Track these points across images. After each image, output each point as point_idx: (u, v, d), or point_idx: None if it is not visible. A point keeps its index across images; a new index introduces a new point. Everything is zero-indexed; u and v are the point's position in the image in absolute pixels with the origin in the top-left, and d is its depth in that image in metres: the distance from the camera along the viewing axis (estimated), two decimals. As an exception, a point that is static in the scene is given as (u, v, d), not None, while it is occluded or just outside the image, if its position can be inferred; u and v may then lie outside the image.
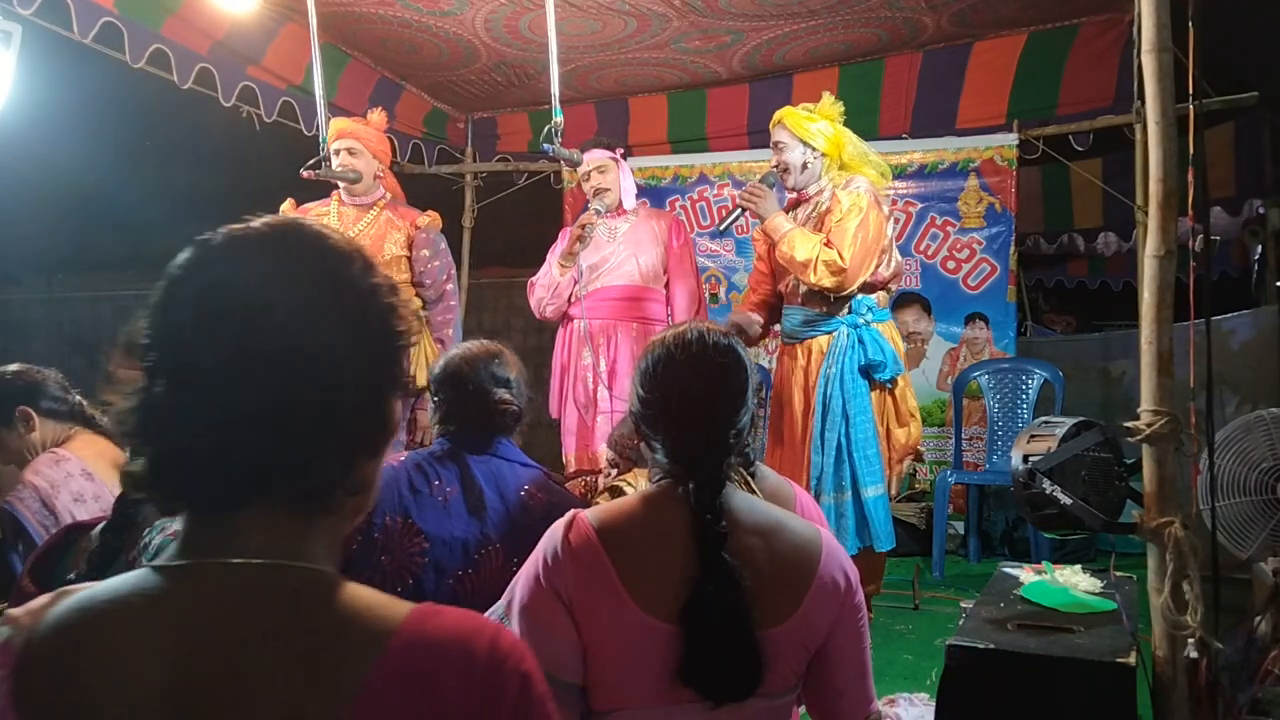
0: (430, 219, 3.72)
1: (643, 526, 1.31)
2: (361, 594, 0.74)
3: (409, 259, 3.64)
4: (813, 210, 3.20)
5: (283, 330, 0.72)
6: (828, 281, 3.01)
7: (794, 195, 3.28)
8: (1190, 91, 2.13)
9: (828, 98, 3.24)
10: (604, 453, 3.52)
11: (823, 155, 3.18)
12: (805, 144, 3.16)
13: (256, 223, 0.79)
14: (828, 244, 3.01)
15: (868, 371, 3.08)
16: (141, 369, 0.74)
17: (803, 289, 3.17)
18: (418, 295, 3.66)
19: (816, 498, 3.00)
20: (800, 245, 3.05)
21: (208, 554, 0.73)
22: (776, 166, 3.25)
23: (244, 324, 0.72)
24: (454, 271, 3.79)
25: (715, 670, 1.23)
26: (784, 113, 3.23)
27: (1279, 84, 4.70)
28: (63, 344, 8.41)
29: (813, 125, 3.16)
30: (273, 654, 0.69)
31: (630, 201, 3.73)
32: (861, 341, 3.08)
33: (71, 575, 1.61)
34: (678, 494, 1.32)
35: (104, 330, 8.29)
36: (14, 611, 0.74)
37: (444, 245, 3.73)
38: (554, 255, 3.72)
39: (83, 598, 0.73)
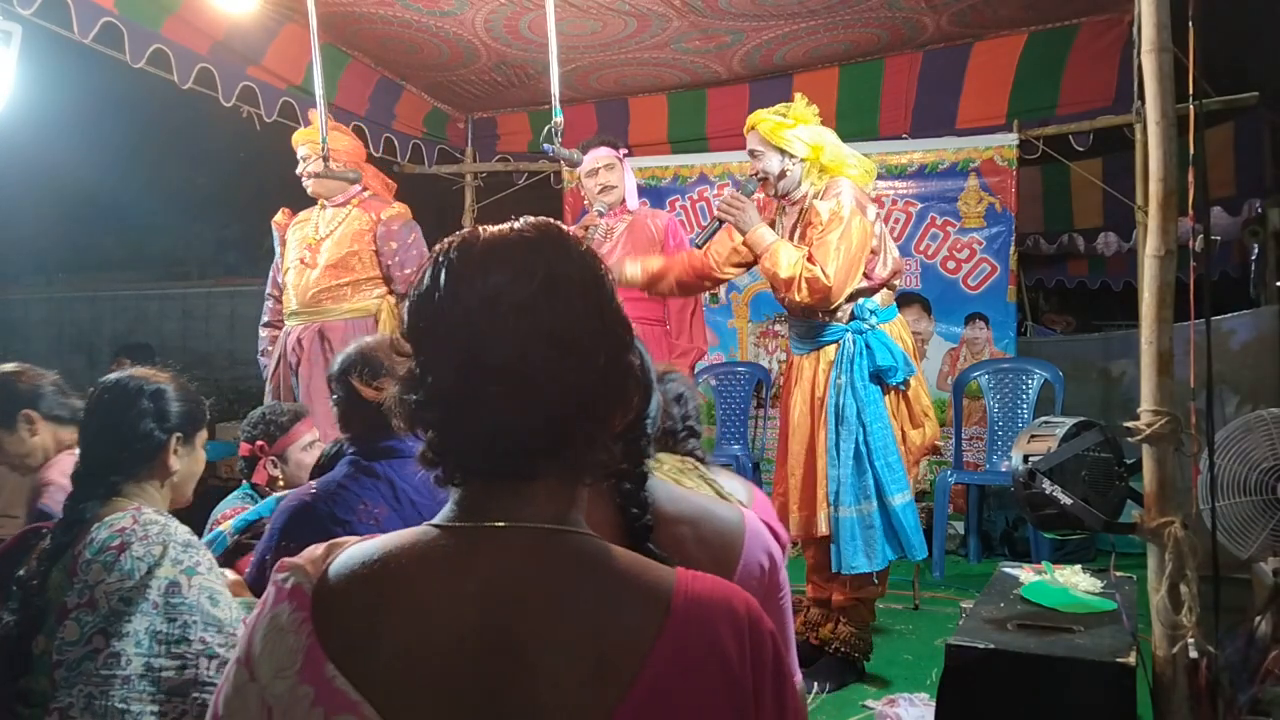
0: (395, 211, 3.67)
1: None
2: (630, 555, 0.85)
3: (376, 253, 3.62)
4: (799, 216, 3.11)
5: (561, 328, 0.81)
6: (811, 300, 2.93)
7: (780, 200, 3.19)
8: (1190, 91, 2.13)
9: (801, 100, 3.14)
10: None
11: (802, 160, 3.07)
12: (781, 151, 3.06)
13: (520, 224, 0.88)
14: (810, 260, 2.92)
15: (879, 377, 3.01)
16: (418, 359, 0.84)
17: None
18: (388, 290, 3.62)
19: (835, 510, 2.96)
20: (783, 261, 2.95)
21: (497, 517, 0.81)
22: (755, 175, 3.14)
23: (525, 324, 0.81)
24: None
25: None
26: (756, 119, 3.12)
27: (1279, 84, 4.70)
28: (63, 344, 8.42)
29: (787, 132, 3.05)
30: (572, 603, 0.79)
31: (633, 201, 3.73)
32: (869, 347, 3.00)
33: (21, 572, 1.61)
34: (598, 496, 1.31)
35: (104, 330, 8.29)
36: (295, 561, 0.83)
37: (414, 238, 3.66)
38: None
39: (365, 549, 0.82)
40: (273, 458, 2.64)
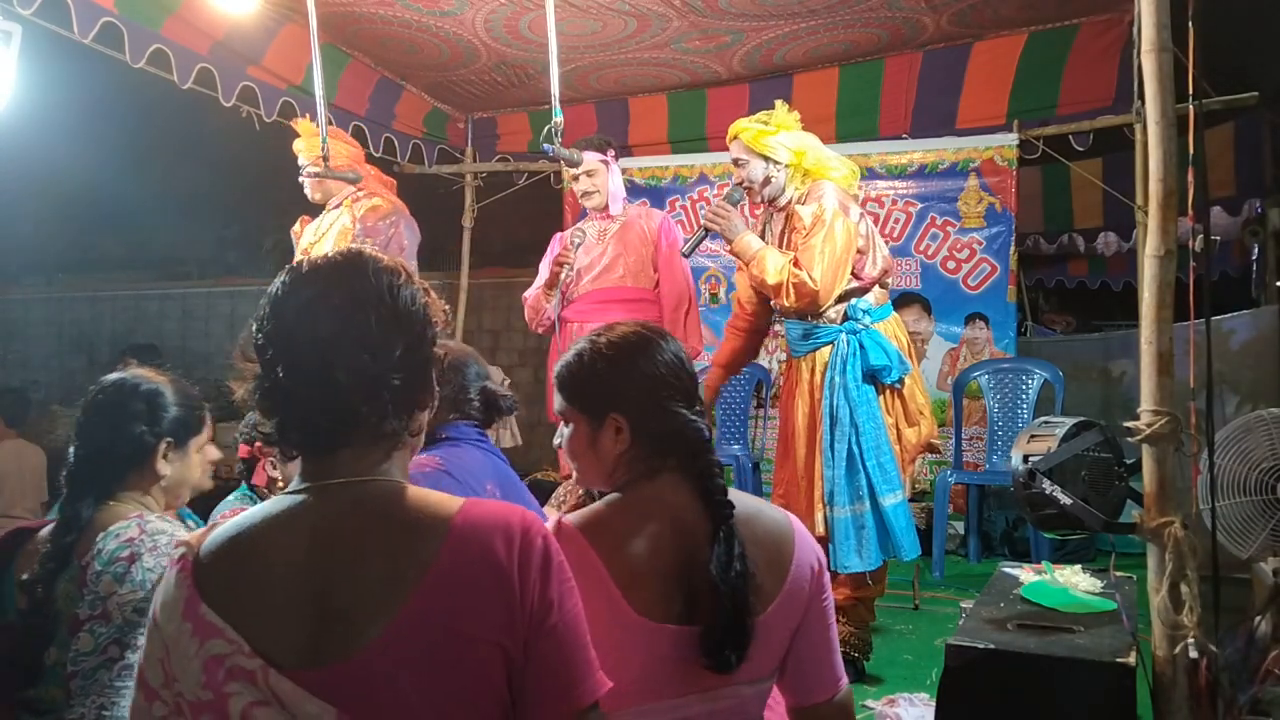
0: (370, 205, 3.63)
1: (638, 530, 1.32)
2: (426, 493, 1.08)
3: None
4: (785, 223, 3.12)
5: (359, 332, 1.05)
6: (799, 305, 2.95)
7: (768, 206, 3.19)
8: (1190, 91, 2.13)
9: (782, 107, 3.13)
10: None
11: (786, 166, 3.08)
12: (765, 158, 3.07)
13: (331, 253, 1.14)
14: (796, 264, 2.94)
15: (873, 376, 3.02)
16: (259, 362, 1.08)
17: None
18: None
19: (830, 510, 2.98)
20: (770, 267, 2.97)
21: (322, 479, 1.06)
22: (740, 183, 3.15)
23: (333, 329, 1.05)
24: (405, 256, 3.65)
25: (721, 646, 1.25)
26: (738, 128, 3.11)
27: (1279, 84, 4.70)
28: (63, 344, 8.41)
29: (769, 138, 3.05)
30: (377, 534, 1.03)
31: (616, 207, 3.69)
32: (863, 347, 3.01)
33: (25, 576, 1.59)
34: (667, 488, 1.34)
35: (104, 330, 8.29)
36: (185, 537, 1.10)
37: (393, 232, 3.62)
38: (545, 264, 3.72)
39: (233, 522, 1.07)
40: (272, 459, 2.63)
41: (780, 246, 3.09)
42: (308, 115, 3.93)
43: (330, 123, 3.81)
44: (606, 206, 3.69)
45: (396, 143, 5.23)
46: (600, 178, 3.66)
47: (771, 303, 3.19)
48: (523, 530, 1.03)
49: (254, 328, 1.09)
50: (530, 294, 3.74)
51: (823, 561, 1.42)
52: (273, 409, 1.08)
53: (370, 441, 1.07)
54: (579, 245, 3.65)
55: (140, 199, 7.91)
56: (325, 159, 3.53)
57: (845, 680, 1.45)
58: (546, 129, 3.05)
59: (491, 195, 5.68)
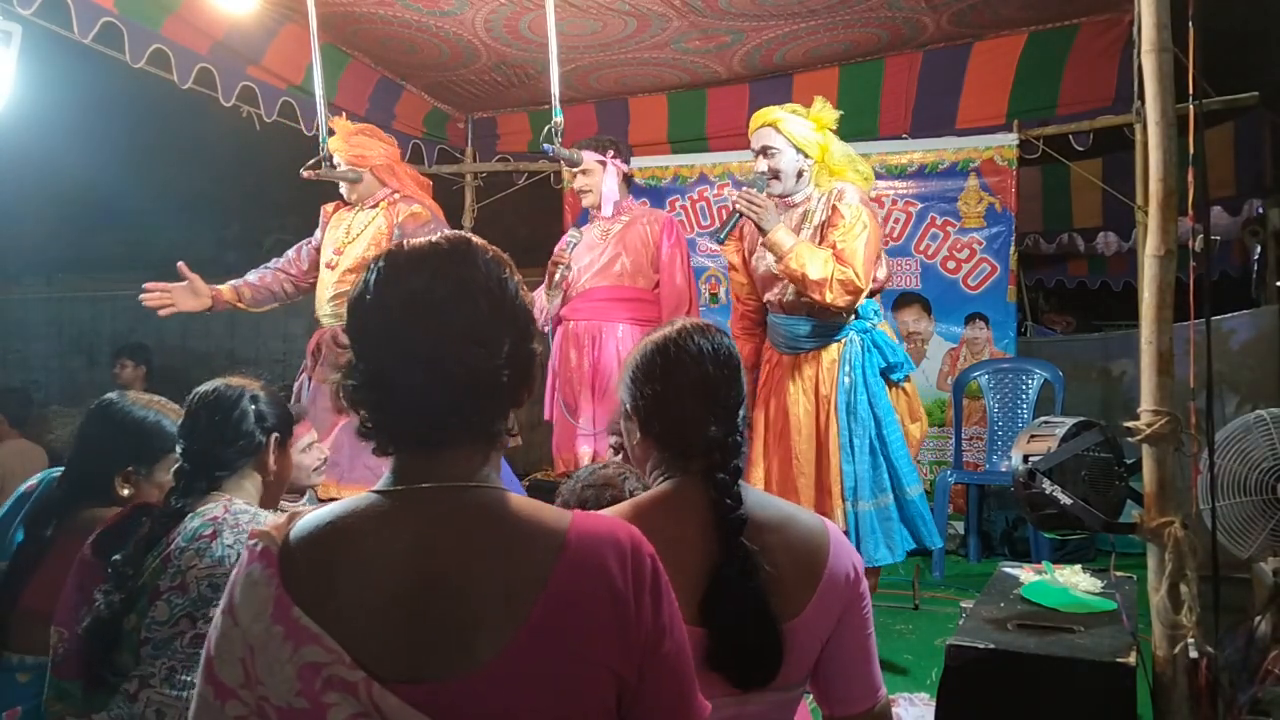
0: (411, 212, 3.53)
1: (658, 530, 1.32)
2: (532, 502, 1.03)
3: None
4: (802, 219, 3.10)
5: (471, 322, 1.00)
6: (842, 301, 2.92)
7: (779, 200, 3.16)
8: (1190, 91, 2.13)
9: (823, 104, 3.12)
10: (584, 454, 3.53)
11: (814, 162, 3.08)
12: (799, 150, 3.06)
13: (436, 238, 1.06)
14: (840, 260, 2.90)
15: (885, 373, 3.06)
16: (356, 352, 1.02)
17: (801, 298, 3.05)
18: None
19: (853, 505, 3.00)
20: (811, 262, 2.90)
21: (420, 480, 1.00)
22: (765, 173, 3.10)
23: (445, 318, 0.99)
24: None
25: (738, 659, 1.25)
26: (774, 117, 3.08)
27: (1279, 84, 4.70)
28: (63, 344, 8.40)
29: (807, 132, 3.06)
30: (488, 545, 0.97)
31: (608, 209, 3.68)
32: (876, 345, 3.05)
33: (118, 558, 1.70)
34: (688, 491, 1.33)
35: (104, 330, 8.29)
36: (262, 528, 1.01)
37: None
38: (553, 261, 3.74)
39: (318, 516, 1.00)
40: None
41: None
42: (344, 114, 3.89)
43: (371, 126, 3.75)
44: (599, 206, 3.69)
45: (396, 143, 5.23)
46: (595, 178, 3.66)
47: (781, 294, 3.17)
48: (633, 548, 0.99)
49: (350, 315, 1.03)
50: (538, 294, 3.74)
51: (860, 568, 1.40)
52: (372, 402, 1.01)
53: (475, 441, 1.02)
54: (574, 245, 3.66)
55: (140, 199, 7.91)
56: (329, 159, 3.51)
57: (884, 690, 1.42)
58: (546, 129, 3.05)
59: (491, 195, 5.68)
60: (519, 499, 1.02)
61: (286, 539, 0.99)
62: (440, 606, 0.93)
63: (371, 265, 1.03)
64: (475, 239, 1.07)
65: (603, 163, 3.66)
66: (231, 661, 0.96)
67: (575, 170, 3.66)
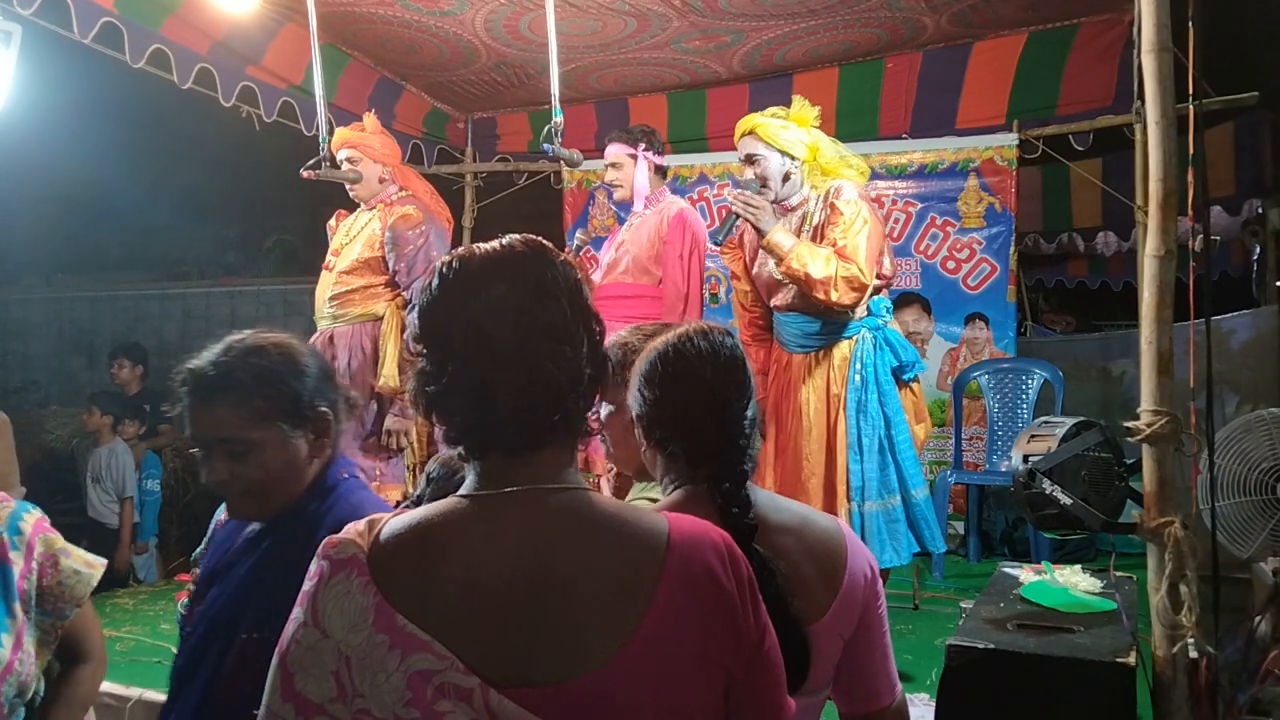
0: (402, 213, 3.53)
1: None
2: (623, 503, 1.06)
3: (382, 258, 3.55)
4: (801, 222, 3.08)
5: (557, 323, 1.00)
6: (848, 299, 2.89)
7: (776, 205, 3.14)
8: (1190, 91, 2.13)
9: (801, 102, 3.10)
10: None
11: (802, 163, 3.05)
12: (783, 154, 3.04)
13: (509, 240, 1.06)
14: (842, 258, 2.88)
15: (895, 372, 3.02)
16: (434, 359, 1.01)
17: (806, 299, 3.02)
18: (394, 294, 3.52)
19: (860, 505, 2.97)
20: (814, 261, 2.88)
21: (510, 483, 0.99)
22: (754, 179, 3.08)
23: (534, 320, 0.99)
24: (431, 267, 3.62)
25: None
26: (754, 124, 3.07)
27: (1279, 84, 4.70)
28: (63, 344, 8.40)
29: (788, 134, 3.03)
30: (590, 547, 0.97)
31: (639, 203, 3.62)
32: (888, 343, 3.01)
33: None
34: (698, 500, 1.32)
35: (104, 330, 8.28)
36: (343, 537, 0.98)
37: (420, 242, 3.51)
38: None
39: (405, 520, 0.98)
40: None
41: None
42: (374, 110, 3.88)
43: (376, 123, 3.77)
44: (631, 200, 3.63)
45: (396, 143, 5.23)
46: (626, 171, 3.58)
47: (784, 295, 3.15)
48: (728, 547, 1.00)
49: (422, 322, 1.03)
50: None
51: (875, 567, 1.40)
52: (467, 408, 1.00)
53: (568, 441, 1.03)
54: (580, 249, 3.65)
55: (140, 199, 7.92)
56: (326, 160, 3.52)
57: (900, 687, 1.43)
58: (546, 129, 3.04)
59: (491, 195, 5.68)
60: (610, 500, 1.04)
61: (376, 545, 0.97)
62: (553, 609, 0.93)
63: (443, 270, 1.03)
64: (544, 241, 1.08)
65: (633, 156, 3.58)
66: (320, 675, 0.92)
67: (607, 164, 3.61)
